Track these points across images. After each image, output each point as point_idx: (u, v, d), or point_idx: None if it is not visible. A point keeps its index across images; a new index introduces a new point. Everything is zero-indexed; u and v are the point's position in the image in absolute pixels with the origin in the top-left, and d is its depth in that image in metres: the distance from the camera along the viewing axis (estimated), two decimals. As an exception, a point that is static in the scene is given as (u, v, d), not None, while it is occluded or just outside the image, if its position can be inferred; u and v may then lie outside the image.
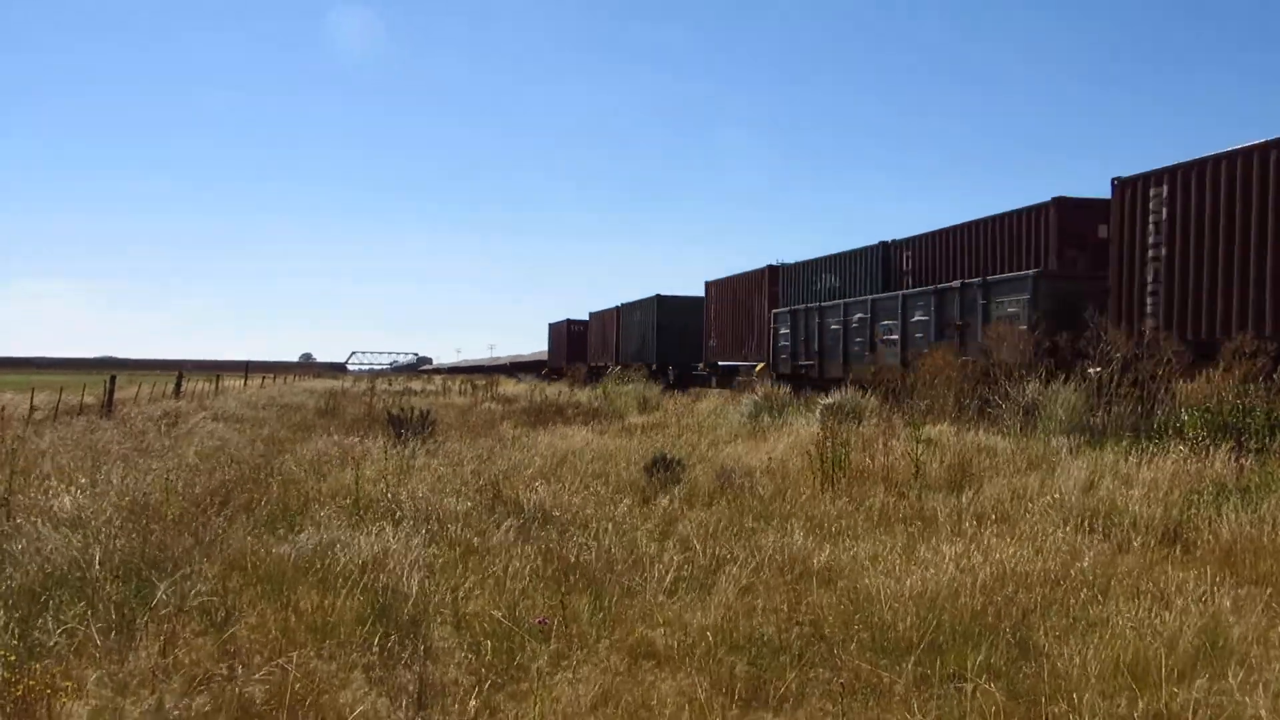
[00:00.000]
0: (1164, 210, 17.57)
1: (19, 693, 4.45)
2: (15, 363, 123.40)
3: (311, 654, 5.21)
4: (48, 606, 5.79)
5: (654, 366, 40.78)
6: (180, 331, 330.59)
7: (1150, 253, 17.84)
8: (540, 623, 5.61)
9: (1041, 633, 5.73)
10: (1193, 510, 8.95)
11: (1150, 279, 17.82)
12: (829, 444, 11.53)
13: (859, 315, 25.94)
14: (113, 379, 26.37)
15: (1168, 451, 11.64)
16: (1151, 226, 17.81)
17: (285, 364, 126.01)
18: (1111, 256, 18.98)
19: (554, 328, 67.29)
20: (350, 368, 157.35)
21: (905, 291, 24.88)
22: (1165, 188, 17.55)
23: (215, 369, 63.03)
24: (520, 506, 9.53)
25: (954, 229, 26.02)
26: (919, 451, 11.53)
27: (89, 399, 25.37)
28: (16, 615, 5.59)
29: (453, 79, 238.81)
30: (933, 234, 27.11)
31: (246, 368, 63.79)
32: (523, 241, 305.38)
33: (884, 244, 29.31)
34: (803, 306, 29.94)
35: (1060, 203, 21.95)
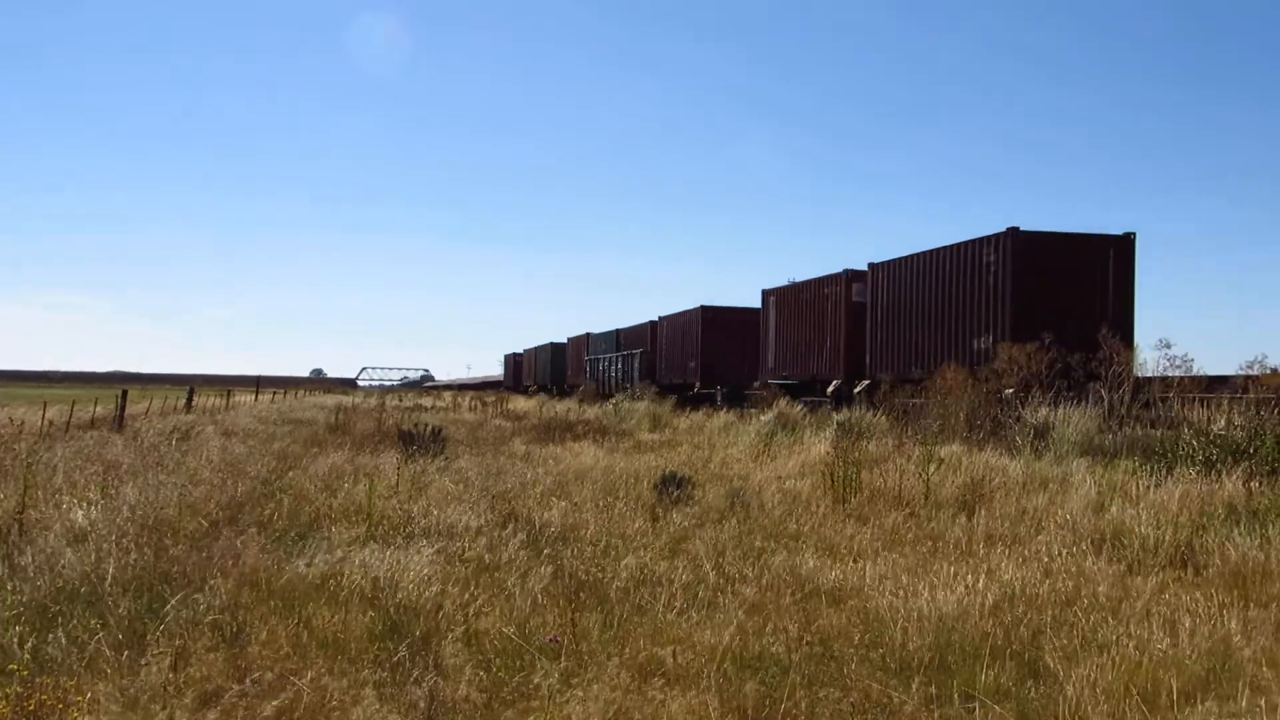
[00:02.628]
0: (665, 335, 46.66)
1: (31, 706, 4.47)
2: (28, 376, 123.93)
3: (323, 670, 5.23)
4: (59, 621, 5.82)
5: (550, 386, 68.47)
6: (192, 346, 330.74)
7: (665, 349, 46.88)
8: (550, 640, 5.63)
9: (1051, 654, 5.74)
10: (1202, 533, 8.93)
11: (663, 360, 46.92)
12: (840, 464, 11.54)
13: (606, 363, 54.46)
14: (124, 394, 26.51)
15: (1177, 475, 11.61)
16: (663, 339, 47.18)
17: (296, 379, 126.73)
18: (660, 348, 47.23)
19: (508, 357, 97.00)
20: (361, 383, 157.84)
21: (618, 354, 52.89)
22: (665, 325, 46.64)
23: (226, 384, 63.30)
24: (531, 523, 9.55)
25: (636, 326, 51.96)
26: (930, 472, 11.52)
27: (100, 413, 25.49)
28: (29, 629, 5.62)
29: (469, 91, 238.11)
30: (630, 328, 53.34)
31: (257, 383, 64.16)
32: (538, 256, 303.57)
33: (617, 330, 55.84)
34: (597, 357, 57.24)
35: (653, 322, 48.81)
